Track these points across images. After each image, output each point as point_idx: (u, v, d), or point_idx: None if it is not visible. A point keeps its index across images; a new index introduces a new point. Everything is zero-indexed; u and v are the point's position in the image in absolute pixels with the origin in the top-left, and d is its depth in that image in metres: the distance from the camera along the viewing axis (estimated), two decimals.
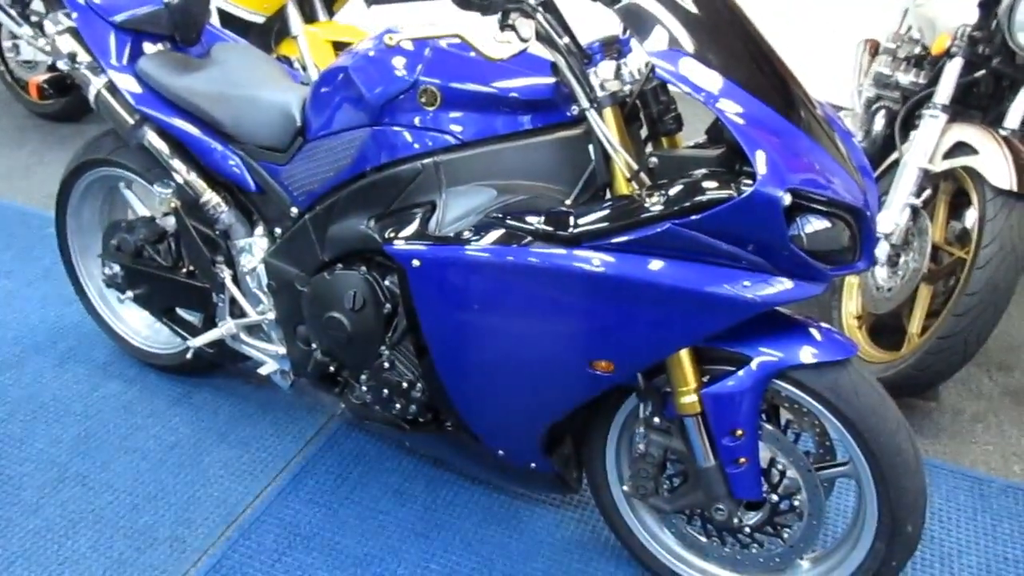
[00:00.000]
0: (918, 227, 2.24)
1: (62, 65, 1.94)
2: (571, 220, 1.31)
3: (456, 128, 1.45)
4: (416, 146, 1.48)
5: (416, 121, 1.48)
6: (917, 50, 2.64)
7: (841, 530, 1.80)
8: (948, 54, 2.24)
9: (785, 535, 1.54)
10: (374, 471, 2.01)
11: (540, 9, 1.29)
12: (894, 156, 2.36)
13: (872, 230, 1.30)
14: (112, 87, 1.90)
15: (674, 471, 1.59)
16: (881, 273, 2.31)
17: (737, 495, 1.48)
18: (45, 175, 3.36)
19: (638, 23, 1.29)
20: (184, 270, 2.04)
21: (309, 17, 2.93)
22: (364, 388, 1.72)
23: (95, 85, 1.91)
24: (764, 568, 1.60)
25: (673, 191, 1.25)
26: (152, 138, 1.88)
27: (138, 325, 2.34)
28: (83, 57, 1.91)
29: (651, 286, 1.27)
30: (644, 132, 1.42)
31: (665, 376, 1.44)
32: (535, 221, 1.35)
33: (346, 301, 1.62)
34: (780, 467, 1.50)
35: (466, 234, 1.40)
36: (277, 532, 1.84)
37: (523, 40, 1.28)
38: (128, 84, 1.89)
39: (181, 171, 1.87)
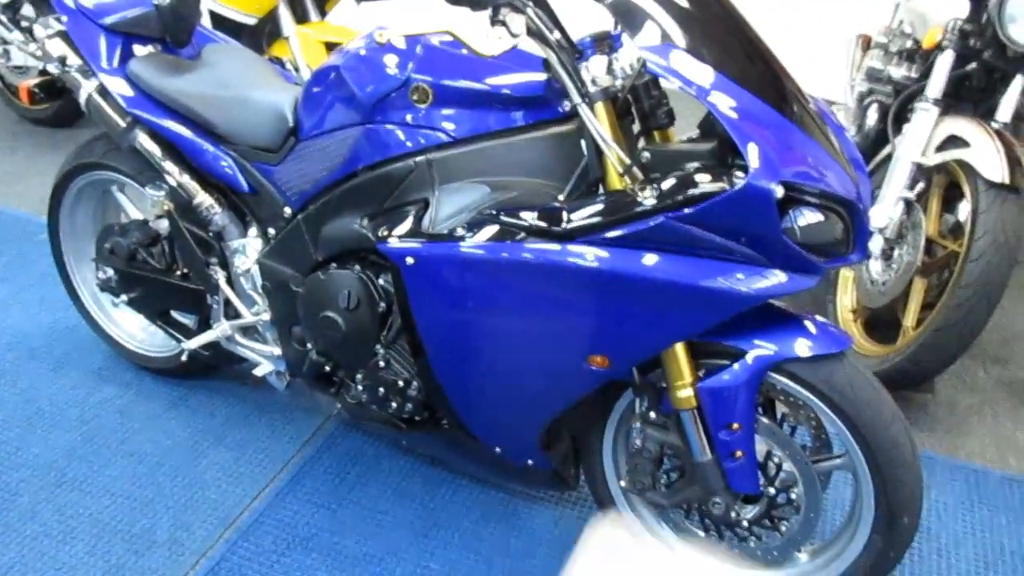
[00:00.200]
0: (912, 221, 2.24)
1: (52, 69, 1.94)
2: (564, 215, 1.31)
3: (448, 125, 1.45)
4: (408, 144, 1.48)
5: (408, 119, 1.48)
6: (909, 44, 2.64)
7: (838, 523, 1.80)
8: (939, 47, 2.25)
9: (782, 528, 1.55)
10: (372, 471, 2.01)
11: (530, 4, 1.29)
12: (887, 150, 2.36)
13: (865, 222, 1.30)
14: (103, 90, 1.89)
15: (671, 466, 1.59)
16: (875, 267, 2.31)
17: (734, 489, 1.48)
18: (38, 180, 3.35)
19: (629, 18, 1.29)
20: (178, 272, 2.04)
21: (301, 18, 2.92)
22: (360, 387, 1.72)
23: (86, 88, 1.90)
24: (762, 561, 1.60)
25: (666, 185, 1.25)
26: (144, 140, 1.88)
27: (133, 328, 2.34)
28: (73, 60, 1.91)
29: (645, 280, 1.27)
30: (636, 127, 1.42)
31: (661, 371, 1.44)
32: (528, 217, 1.35)
33: (341, 300, 1.62)
34: (776, 460, 1.51)
35: (459, 231, 1.40)
36: (276, 533, 1.84)
37: (514, 36, 1.28)
38: (119, 87, 1.88)
39: (174, 173, 1.87)
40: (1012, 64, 2.18)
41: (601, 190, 1.38)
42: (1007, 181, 1.99)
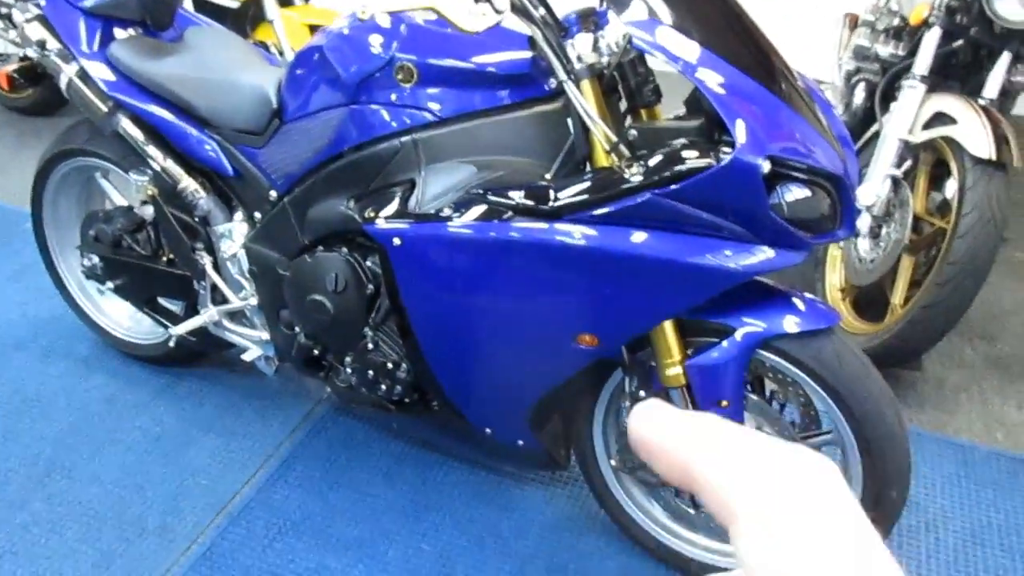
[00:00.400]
0: (899, 198, 2.24)
1: (32, 54, 1.91)
2: (551, 194, 1.31)
3: (434, 105, 1.44)
4: (394, 124, 1.47)
5: (393, 98, 1.47)
6: (896, 22, 2.64)
7: None
8: (926, 24, 2.25)
9: None
10: (363, 455, 2.00)
11: None
12: (874, 128, 2.36)
13: (852, 198, 1.30)
14: (84, 74, 1.87)
15: None
16: (863, 245, 2.32)
17: None
18: (20, 169, 3.32)
19: None
20: (164, 258, 2.02)
21: (285, 1, 2.90)
22: (349, 371, 1.71)
23: (66, 73, 1.88)
24: None
25: (653, 161, 1.24)
26: (126, 125, 1.85)
27: (120, 316, 2.32)
28: (53, 44, 1.88)
29: (633, 258, 1.27)
30: (623, 105, 1.42)
31: (650, 349, 1.44)
32: (515, 196, 1.34)
33: (328, 283, 1.61)
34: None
35: (446, 211, 1.39)
36: (267, 518, 1.83)
37: (498, 12, 1.27)
38: (100, 71, 1.86)
39: (157, 158, 1.85)
40: (999, 40, 2.18)
41: (588, 168, 1.37)
42: (994, 157, 1.99)
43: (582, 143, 1.36)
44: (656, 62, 1.30)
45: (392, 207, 1.46)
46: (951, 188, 2.15)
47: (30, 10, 1.90)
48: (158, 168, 1.85)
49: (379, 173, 1.50)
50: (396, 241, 1.44)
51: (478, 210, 1.37)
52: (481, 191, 1.38)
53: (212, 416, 2.13)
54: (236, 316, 1.99)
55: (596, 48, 1.33)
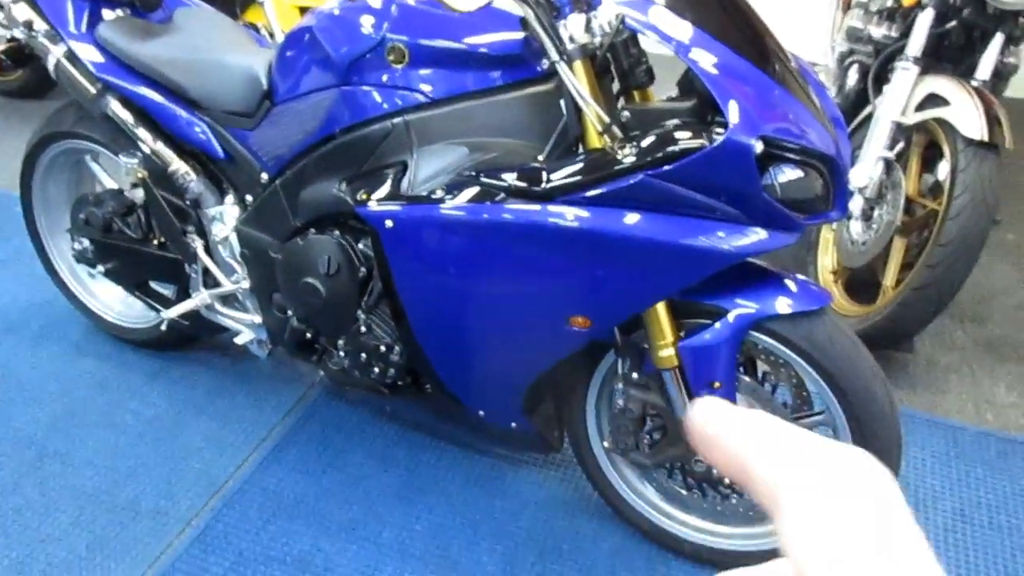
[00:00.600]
0: (892, 180, 2.25)
1: (19, 35, 1.89)
2: (544, 175, 1.30)
3: (425, 86, 1.43)
4: (385, 105, 1.46)
5: (384, 79, 1.45)
6: (889, 3, 2.63)
7: None
8: (919, 6, 2.24)
9: None
10: (356, 438, 2.01)
11: None
12: (867, 110, 2.36)
13: (844, 179, 1.30)
14: (72, 56, 1.85)
15: (653, 426, 1.60)
16: (856, 227, 2.32)
17: None
18: (8, 153, 3.29)
19: None
20: (155, 242, 2.01)
21: None
22: (342, 354, 1.71)
23: (54, 54, 1.86)
24: (744, 518, 1.62)
25: (645, 142, 1.24)
26: (116, 107, 1.84)
27: (111, 300, 2.31)
28: (40, 25, 1.86)
29: (626, 239, 1.26)
30: (616, 86, 1.41)
31: (642, 331, 1.44)
32: (508, 178, 1.33)
33: (320, 266, 1.61)
34: None
35: (439, 193, 1.39)
36: (261, 501, 1.84)
37: None
38: (88, 52, 1.84)
39: (147, 140, 1.83)
40: (992, 21, 2.18)
41: (581, 149, 1.37)
42: (986, 139, 1.99)
43: (575, 124, 1.36)
44: (649, 43, 1.30)
45: (384, 189, 1.45)
46: (943, 170, 2.15)
47: None
48: (148, 151, 1.84)
49: (371, 155, 1.49)
50: (388, 223, 1.43)
51: (470, 192, 1.36)
52: (473, 173, 1.38)
53: (205, 400, 2.12)
54: (228, 299, 1.99)
55: (589, 28, 1.32)
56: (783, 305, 1.37)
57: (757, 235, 1.26)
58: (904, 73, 2.21)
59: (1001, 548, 1.75)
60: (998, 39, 2.18)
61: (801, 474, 0.25)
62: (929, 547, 0.24)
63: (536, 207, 1.30)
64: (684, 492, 1.66)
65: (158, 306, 2.09)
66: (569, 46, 1.30)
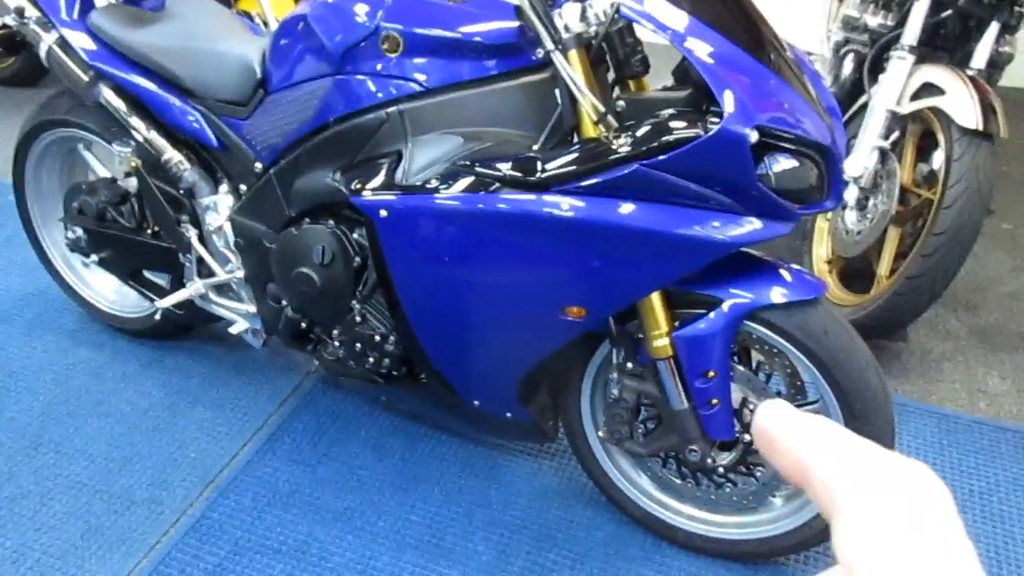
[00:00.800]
0: (886, 170, 2.25)
1: (10, 22, 1.88)
2: (539, 165, 1.30)
3: (420, 75, 1.43)
4: (379, 95, 1.46)
5: (379, 68, 1.45)
6: None
7: None
8: None
9: (758, 474, 1.57)
10: (351, 427, 2.01)
11: None
12: (863, 100, 2.36)
13: (839, 169, 1.30)
14: (64, 43, 1.84)
15: (648, 415, 1.61)
16: (850, 216, 2.32)
17: (710, 436, 1.50)
18: (1, 141, 3.27)
19: None
20: (149, 231, 2.00)
21: None
22: (337, 344, 1.71)
23: (46, 41, 1.85)
24: (738, 506, 1.63)
25: (640, 132, 1.24)
26: (108, 95, 1.83)
27: (105, 289, 2.30)
28: (31, 12, 1.85)
29: (621, 229, 1.26)
30: (611, 75, 1.41)
31: (637, 321, 1.45)
32: (503, 167, 1.33)
33: (314, 256, 1.60)
34: (752, 407, 1.52)
35: (433, 183, 1.38)
36: (256, 491, 1.84)
37: None
38: (80, 40, 1.83)
39: (140, 129, 1.82)
40: (987, 10, 2.18)
41: (575, 139, 1.36)
42: (981, 128, 2.00)
43: (569, 114, 1.35)
44: (644, 32, 1.29)
45: (379, 179, 1.45)
46: (938, 159, 2.15)
47: None
48: (141, 139, 1.83)
49: (365, 144, 1.49)
50: (383, 213, 1.43)
51: (465, 182, 1.36)
52: (468, 162, 1.37)
53: (200, 389, 2.12)
54: (223, 289, 1.98)
55: (584, 17, 1.31)
56: (778, 295, 1.37)
57: (752, 225, 1.26)
58: (899, 62, 2.20)
59: (993, 536, 1.76)
60: (993, 28, 2.18)
61: (860, 483, 0.26)
62: (980, 564, 0.24)
63: (531, 197, 1.30)
64: (678, 481, 1.67)
65: (152, 295, 2.09)
66: (564, 35, 1.29)
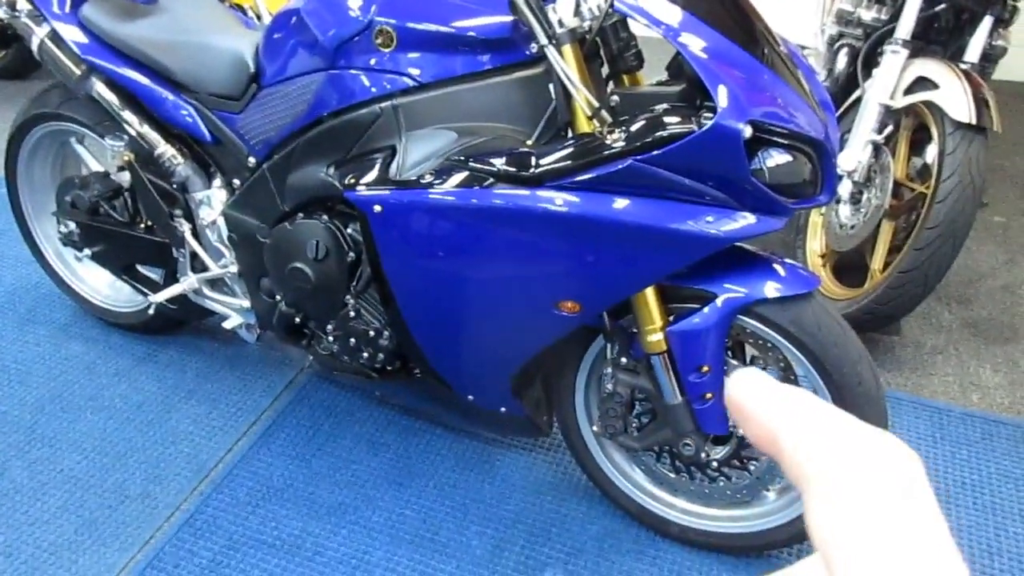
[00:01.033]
0: (880, 164, 2.25)
1: (2, 15, 1.86)
2: (533, 160, 1.30)
3: (414, 70, 1.42)
4: (373, 89, 1.45)
5: (372, 63, 1.44)
6: None
7: None
8: None
9: (751, 468, 1.58)
10: (346, 422, 2.01)
11: None
12: (856, 94, 2.36)
13: (833, 163, 1.30)
14: (55, 36, 1.83)
15: (642, 409, 1.61)
16: (844, 211, 2.33)
17: (704, 430, 1.50)
18: None
19: None
20: (142, 225, 2.00)
21: None
22: (331, 338, 1.71)
23: (37, 35, 1.84)
24: (732, 500, 1.63)
25: (634, 127, 1.24)
26: (101, 89, 1.82)
27: (98, 284, 2.30)
28: (23, 5, 1.83)
29: (615, 224, 1.26)
30: (605, 70, 1.40)
31: (631, 316, 1.45)
32: (497, 162, 1.33)
33: (308, 251, 1.60)
34: None
35: (427, 178, 1.38)
36: (250, 485, 1.84)
37: None
38: (72, 33, 1.82)
39: (133, 123, 1.82)
40: (980, 4, 2.18)
41: (570, 134, 1.36)
42: (974, 121, 2.00)
43: (563, 109, 1.35)
44: (638, 27, 1.29)
45: (372, 174, 1.45)
46: (931, 153, 2.16)
47: None
48: (134, 133, 1.82)
49: (359, 139, 1.48)
50: (377, 208, 1.43)
51: (459, 177, 1.36)
52: (462, 157, 1.37)
53: (194, 384, 2.12)
54: (216, 284, 1.98)
55: (578, 12, 1.31)
56: (771, 289, 1.37)
57: (746, 219, 1.26)
58: (893, 56, 2.21)
59: (985, 528, 1.77)
60: (987, 22, 2.18)
61: (830, 454, 0.25)
62: (951, 537, 0.24)
63: (525, 192, 1.30)
64: (672, 475, 1.67)
65: (146, 290, 2.08)
66: (558, 30, 1.29)
